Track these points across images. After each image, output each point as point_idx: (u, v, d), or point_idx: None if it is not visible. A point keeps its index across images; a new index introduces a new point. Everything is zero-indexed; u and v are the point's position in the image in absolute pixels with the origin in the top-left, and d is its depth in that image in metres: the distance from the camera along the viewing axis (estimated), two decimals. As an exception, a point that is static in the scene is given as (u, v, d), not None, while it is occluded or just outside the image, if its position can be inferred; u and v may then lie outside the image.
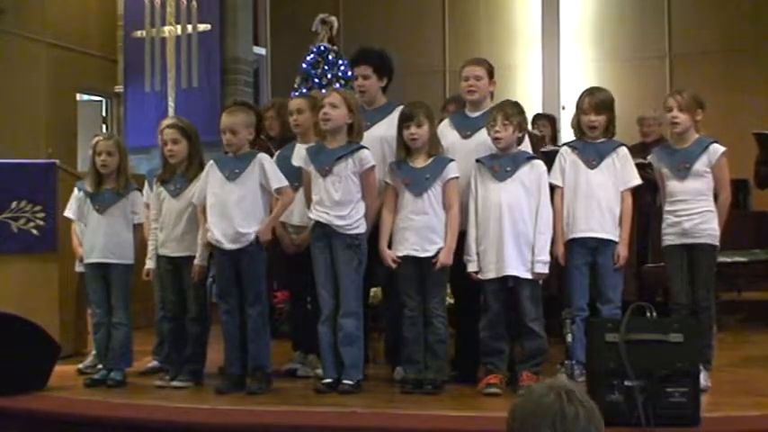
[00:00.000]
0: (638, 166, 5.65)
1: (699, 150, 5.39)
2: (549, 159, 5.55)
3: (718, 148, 5.41)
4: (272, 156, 5.87)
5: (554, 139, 8.56)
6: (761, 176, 7.49)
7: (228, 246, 5.41)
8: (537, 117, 8.81)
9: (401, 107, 5.62)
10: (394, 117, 5.64)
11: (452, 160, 5.42)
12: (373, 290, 6.22)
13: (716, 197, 5.42)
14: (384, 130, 5.72)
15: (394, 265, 5.38)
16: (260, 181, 5.46)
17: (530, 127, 8.20)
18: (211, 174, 5.54)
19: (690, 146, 5.42)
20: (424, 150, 5.41)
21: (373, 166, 5.43)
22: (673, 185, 5.42)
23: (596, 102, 5.44)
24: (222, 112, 5.69)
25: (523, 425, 2.19)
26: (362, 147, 5.44)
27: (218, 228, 5.43)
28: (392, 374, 5.70)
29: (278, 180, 5.47)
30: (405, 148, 5.44)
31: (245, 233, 5.40)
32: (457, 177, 5.37)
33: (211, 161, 5.61)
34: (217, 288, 5.64)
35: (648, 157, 5.75)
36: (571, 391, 2.20)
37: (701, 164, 5.37)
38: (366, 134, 5.62)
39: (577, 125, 5.54)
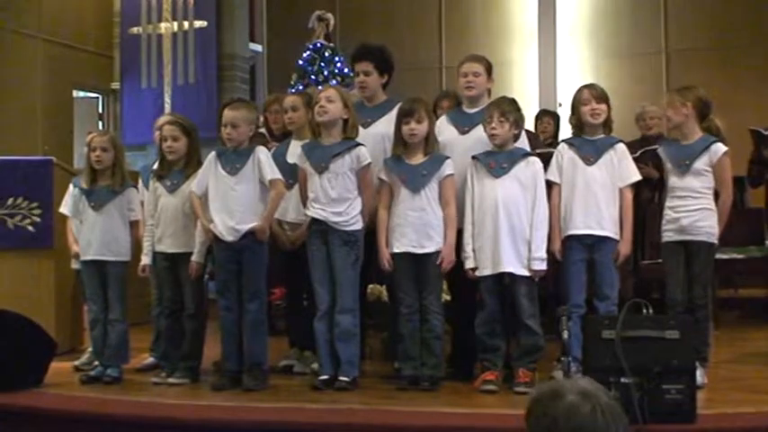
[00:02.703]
0: (634, 161, 5.65)
1: (701, 148, 5.39)
2: (545, 161, 5.54)
3: (720, 148, 5.41)
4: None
5: (556, 136, 8.54)
6: (753, 175, 7.49)
7: (230, 239, 5.41)
8: (541, 113, 8.80)
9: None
10: (394, 114, 5.63)
11: (448, 158, 5.42)
12: (370, 286, 6.22)
13: (717, 196, 5.42)
14: (385, 127, 5.71)
15: (388, 266, 5.39)
16: (258, 175, 5.47)
17: (533, 124, 8.23)
18: (213, 167, 5.54)
19: (693, 143, 5.43)
20: (420, 147, 5.41)
21: (370, 163, 5.43)
22: (673, 181, 5.43)
23: (597, 93, 5.48)
24: (224, 107, 5.69)
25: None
26: (359, 144, 5.44)
27: (219, 221, 5.44)
28: (390, 370, 5.69)
29: (272, 172, 5.47)
30: (402, 144, 5.44)
31: (246, 227, 5.40)
32: (453, 174, 5.37)
33: (213, 153, 5.60)
34: (216, 284, 5.63)
35: (658, 150, 5.75)
36: (610, 405, 2.18)
37: (701, 162, 5.37)
38: (367, 131, 5.63)
39: (577, 120, 5.54)
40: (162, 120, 6.35)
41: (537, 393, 2.29)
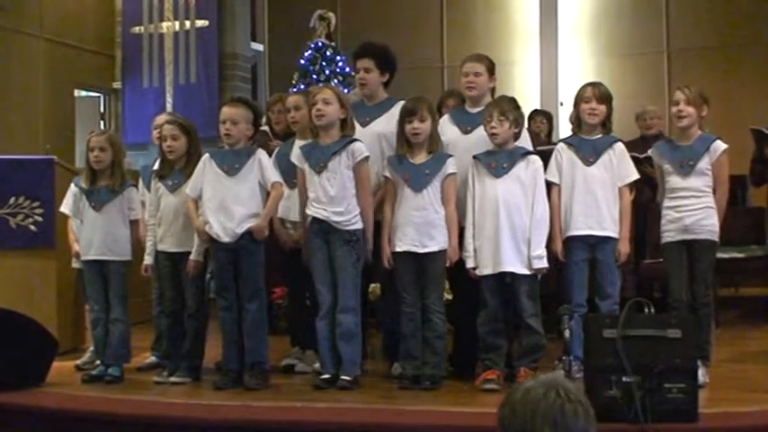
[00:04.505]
0: (636, 161, 5.65)
1: (703, 148, 5.39)
2: (545, 158, 5.54)
3: (719, 146, 5.41)
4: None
5: (550, 135, 8.56)
6: (756, 174, 7.48)
7: (227, 240, 5.41)
8: (534, 113, 8.82)
9: (400, 102, 5.62)
10: (393, 113, 5.65)
11: (451, 156, 5.41)
12: (371, 286, 6.22)
13: (714, 193, 5.42)
14: (383, 126, 5.72)
15: (388, 265, 5.39)
16: (258, 177, 5.46)
17: (527, 124, 8.23)
18: (208, 168, 5.54)
19: (693, 143, 5.42)
20: (424, 146, 5.41)
21: (366, 158, 5.41)
22: (674, 181, 5.42)
23: (599, 92, 5.47)
24: (223, 106, 5.70)
25: (522, 422, 2.18)
26: (355, 139, 5.43)
27: (217, 222, 5.44)
28: (390, 370, 5.70)
29: (274, 174, 5.48)
30: (406, 143, 5.44)
31: (244, 228, 5.40)
32: (455, 173, 5.37)
33: (207, 155, 5.61)
34: (215, 284, 5.63)
35: (649, 152, 5.75)
36: (568, 389, 2.21)
37: (704, 162, 5.37)
38: (365, 130, 5.63)
39: (576, 118, 5.55)
40: (160, 119, 6.34)
41: (510, 399, 2.31)
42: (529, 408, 2.18)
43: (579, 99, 5.51)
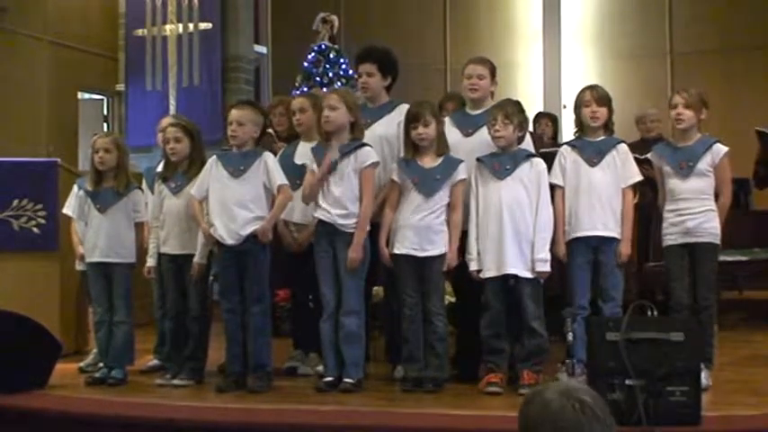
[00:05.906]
0: (638, 162, 5.65)
1: (702, 149, 5.39)
2: (549, 160, 5.54)
3: (721, 148, 5.40)
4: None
5: (555, 137, 8.56)
6: (760, 176, 7.47)
7: (231, 242, 5.41)
8: (539, 116, 8.82)
9: (402, 105, 5.64)
10: (393, 115, 5.66)
11: (462, 161, 5.39)
12: (375, 288, 6.22)
13: (716, 197, 5.41)
14: (384, 128, 5.72)
15: (387, 265, 5.40)
16: (263, 179, 5.47)
17: (531, 126, 8.23)
18: (214, 170, 5.54)
19: (693, 144, 5.41)
20: (432, 149, 5.41)
21: (373, 164, 5.40)
22: (674, 184, 5.41)
23: (598, 95, 5.47)
24: (231, 108, 5.70)
25: None
26: (365, 144, 5.43)
27: (221, 224, 5.44)
28: (392, 373, 5.70)
29: (280, 177, 5.47)
30: (413, 147, 5.43)
31: (248, 230, 5.40)
32: (465, 179, 5.36)
33: (214, 156, 5.60)
34: (219, 286, 5.64)
35: (649, 154, 5.74)
36: (587, 402, 2.16)
37: (704, 163, 5.36)
38: (367, 132, 5.62)
39: (579, 122, 5.55)
40: (164, 121, 6.36)
41: (524, 399, 2.27)
42: (545, 420, 2.13)
43: (579, 103, 5.52)
